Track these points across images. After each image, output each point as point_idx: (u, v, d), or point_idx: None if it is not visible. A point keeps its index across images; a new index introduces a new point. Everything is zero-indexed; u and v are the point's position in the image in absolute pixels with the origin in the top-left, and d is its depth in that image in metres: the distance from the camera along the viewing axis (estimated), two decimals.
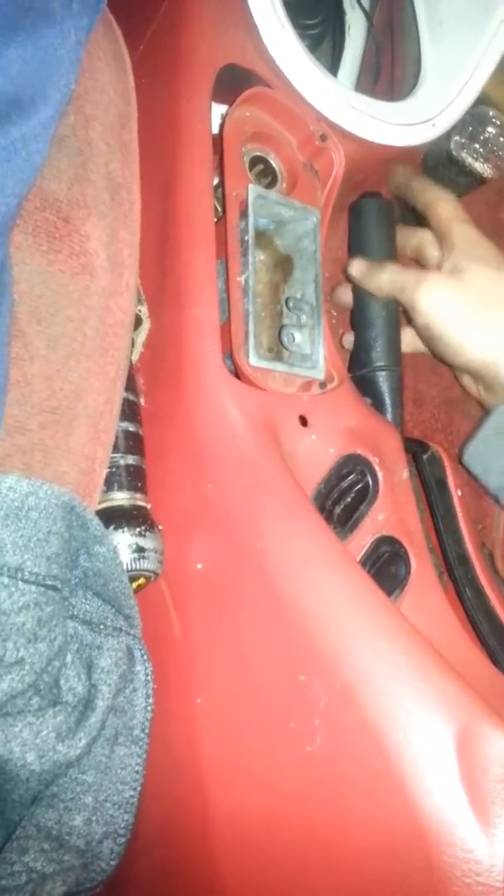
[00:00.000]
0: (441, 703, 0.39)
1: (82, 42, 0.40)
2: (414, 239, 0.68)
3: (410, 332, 0.67)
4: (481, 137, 1.02)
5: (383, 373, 0.64)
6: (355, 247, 0.68)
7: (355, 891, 0.40)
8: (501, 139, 1.01)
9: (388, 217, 0.69)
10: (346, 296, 0.69)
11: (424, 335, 0.62)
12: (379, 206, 0.68)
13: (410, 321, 0.64)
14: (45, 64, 0.36)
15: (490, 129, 1.01)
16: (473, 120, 1.00)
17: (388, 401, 0.63)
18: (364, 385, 0.63)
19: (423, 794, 0.37)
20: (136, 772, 0.43)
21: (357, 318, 0.66)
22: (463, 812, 0.36)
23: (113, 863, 0.41)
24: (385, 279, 0.63)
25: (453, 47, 0.70)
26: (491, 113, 1.02)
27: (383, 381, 0.63)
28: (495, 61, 0.69)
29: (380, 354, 0.64)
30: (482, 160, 1.01)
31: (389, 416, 0.63)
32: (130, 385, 0.54)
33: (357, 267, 0.66)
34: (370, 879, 0.39)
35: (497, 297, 0.60)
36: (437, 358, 0.64)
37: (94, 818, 0.42)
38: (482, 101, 0.89)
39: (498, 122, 1.01)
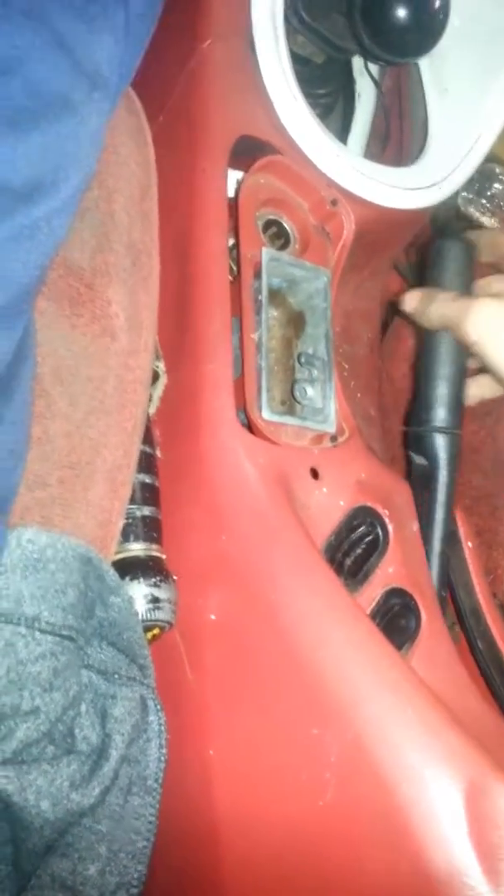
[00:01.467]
0: (449, 758, 0.39)
1: (103, 124, 0.43)
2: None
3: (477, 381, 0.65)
4: (488, 193, 1.06)
5: (442, 436, 0.61)
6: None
7: None
8: None
9: (467, 259, 0.66)
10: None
11: (486, 367, 0.59)
12: (460, 249, 0.65)
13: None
14: (67, 149, 0.39)
15: (497, 184, 1.04)
16: (480, 176, 1.04)
17: (442, 465, 0.61)
18: (419, 443, 0.62)
19: (432, 849, 0.38)
20: (150, 822, 0.43)
21: (420, 369, 0.63)
22: (472, 869, 0.37)
23: None
24: (434, 310, 0.60)
25: (459, 112, 0.73)
26: (497, 170, 1.05)
27: (441, 445, 0.61)
28: (500, 125, 0.71)
29: (440, 415, 0.61)
30: (489, 214, 1.04)
31: (443, 479, 0.60)
32: (147, 438, 0.55)
33: (410, 301, 0.63)
34: None
35: None
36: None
37: (107, 868, 0.42)
38: (488, 158, 0.92)
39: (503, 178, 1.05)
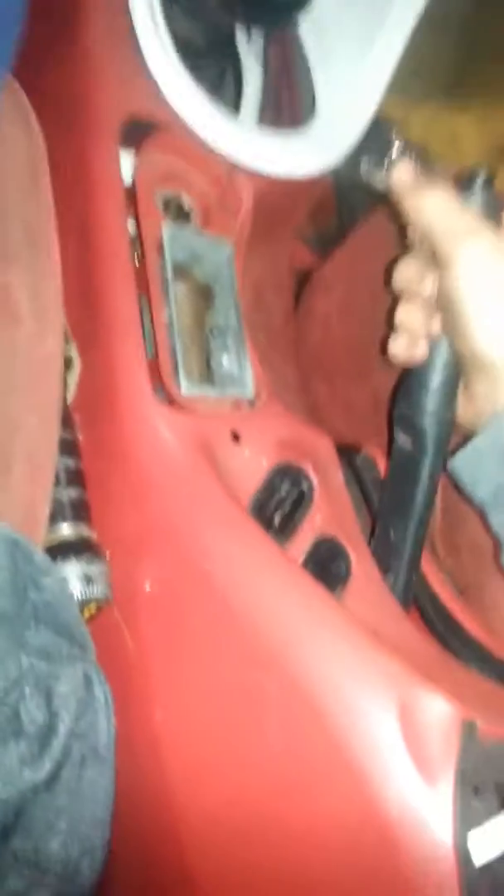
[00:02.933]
0: (379, 679, 0.41)
1: None
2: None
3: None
4: (388, 158, 1.08)
5: (436, 424, 0.57)
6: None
7: (324, 871, 0.41)
8: (407, 157, 1.07)
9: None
10: None
11: (443, 300, 0.53)
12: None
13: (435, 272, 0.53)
14: None
15: (394, 150, 1.07)
16: (378, 143, 1.06)
17: (430, 453, 0.57)
18: (408, 426, 0.58)
19: (373, 767, 0.40)
20: (106, 790, 0.44)
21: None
22: (411, 778, 0.39)
23: (93, 876, 0.43)
24: (432, 207, 0.52)
25: (343, 76, 0.75)
26: (393, 134, 1.08)
27: (433, 433, 0.57)
28: (383, 85, 0.73)
29: (437, 403, 0.56)
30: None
31: (427, 471, 0.57)
32: (67, 423, 0.56)
33: (405, 171, 0.55)
34: (338, 857, 0.41)
35: None
36: (445, 331, 0.55)
37: (69, 841, 0.43)
38: (384, 124, 0.95)
39: (401, 143, 1.07)
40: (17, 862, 0.41)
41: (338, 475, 0.60)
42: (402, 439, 0.60)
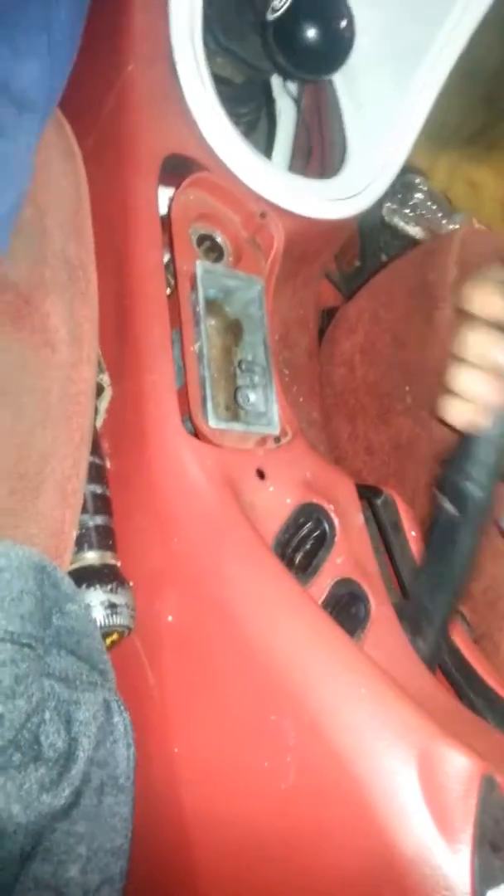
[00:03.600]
0: (400, 730, 0.41)
1: (32, 146, 0.44)
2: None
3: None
4: (410, 203, 1.11)
5: (486, 497, 0.56)
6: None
7: None
8: (428, 203, 1.10)
9: None
10: None
11: None
12: None
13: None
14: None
15: (417, 194, 1.10)
16: (402, 187, 1.09)
17: (474, 523, 0.56)
18: (457, 493, 0.57)
19: (390, 818, 0.40)
20: (125, 819, 0.44)
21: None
22: (429, 831, 0.39)
23: None
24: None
25: (374, 125, 0.77)
26: (417, 180, 1.11)
27: (481, 505, 0.56)
28: (414, 135, 0.75)
29: (488, 477, 0.56)
30: (413, 223, 1.09)
31: (470, 540, 0.57)
32: (96, 449, 0.56)
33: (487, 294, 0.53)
34: None
35: None
36: None
37: (88, 868, 0.42)
38: (409, 169, 0.97)
39: (424, 188, 1.10)
40: (36, 887, 0.40)
41: (359, 517, 0.61)
42: (448, 505, 0.58)
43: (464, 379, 0.54)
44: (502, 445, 0.55)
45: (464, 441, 0.57)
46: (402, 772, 0.40)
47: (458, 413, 0.55)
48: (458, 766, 0.39)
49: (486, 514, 0.57)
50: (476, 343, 0.54)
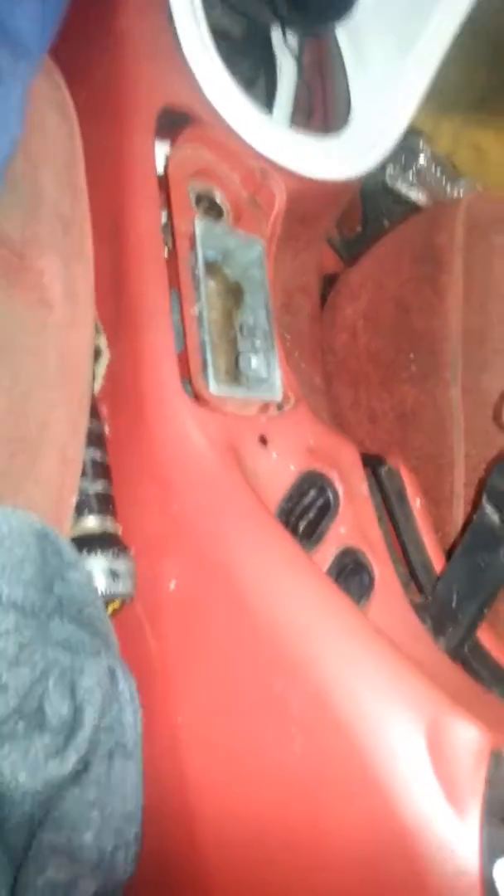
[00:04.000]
0: (409, 700, 0.40)
1: (25, 91, 0.42)
2: None
3: None
4: (414, 167, 1.08)
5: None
6: None
7: (343, 887, 0.40)
8: (432, 168, 1.07)
9: None
10: None
11: None
12: None
13: None
14: None
15: (421, 159, 1.07)
16: (405, 151, 1.06)
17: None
18: (499, 498, 0.56)
19: (399, 788, 0.39)
20: (136, 785, 0.44)
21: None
22: (438, 803, 0.38)
23: (129, 871, 0.42)
24: None
25: (379, 84, 0.74)
26: (421, 144, 1.08)
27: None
28: (420, 95, 0.73)
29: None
30: (416, 188, 1.06)
31: None
32: (94, 414, 0.55)
33: None
34: (357, 875, 0.40)
35: None
36: None
37: (102, 833, 0.42)
38: (412, 133, 0.94)
39: (427, 153, 1.07)
40: (54, 854, 0.40)
41: (363, 486, 0.59)
42: (491, 511, 0.57)
43: None
44: None
45: None
46: (410, 742, 0.39)
47: None
48: (468, 738, 0.39)
49: None
50: None
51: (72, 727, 0.41)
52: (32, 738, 0.39)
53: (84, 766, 0.41)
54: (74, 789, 0.40)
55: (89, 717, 0.41)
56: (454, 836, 0.38)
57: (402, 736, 0.40)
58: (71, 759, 0.40)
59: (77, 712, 0.41)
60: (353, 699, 0.42)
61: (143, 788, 0.44)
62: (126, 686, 0.45)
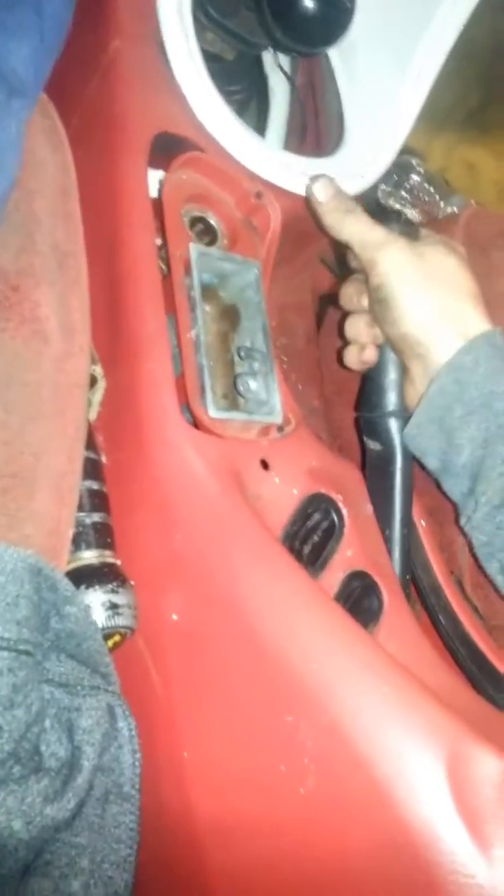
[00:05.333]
0: (427, 729, 0.39)
1: (21, 131, 0.42)
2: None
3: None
4: (407, 185, 1.08)
5: (396, 420, 0.62)
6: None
7: None
8: (425, 185, 1.07)
9: None
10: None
11: (374, 297, 0.60)
12: None
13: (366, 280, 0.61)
14: None
15: (414, 176, 1.07)
16: (398, 169, 1.06)
17: (398, 449, 0.61)
18: (373, 428, 0.62)
19: (419, 822, 0.37)
20: (131, 829, 0.42)
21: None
22: (460, 837, 0.36)
23: None
24: (352, 225, 0.62)
25: (373, 103, 0.74)
26: (414, 161, 1.08)
27: (395, 429, 0.62)
28: (415, 114, 0.73)
29: (393, 400, 0.62)
30: (409, 206, 1.06)
31: (399, 464, 0.61)
32: (90, 444, 0.54)
33: (324, 191, 0.63)
34: None
35: (446, 276, 0.60)
36: (379, 325, 0.62)
37: (91, 881, 0.40)
38: (404, 150, 0.94)
39: (421, 170, 1.07)
40: None
41: (367, 507, 0.58)
42: (371, 443, 0.63)
43: (347, 326, 0.65)
44: (397, 372, 0.62)
45: (365, 381, 0.65)
46: (430, 775, 0.38)
47: (349, 356, 0.65)
48: (490, 768, 0.37)
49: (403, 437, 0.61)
50: (347, 295, 0.66)
51: (70, 769, 0.40)
52: (29, 782, 0.37)
53: (77, 810, 0.39)
54: (66, 834, 0.39)
55: (88, 759, 0.40)
56: (480, 874, 0.36)
57: (421, 768, 0.39)
58: (69, 804, 0.38)
59: (75, 753, 0.40)
60: (369, 730, 0.41)
61: (139, 832, 0.42)
62: (125, 724, 0.43)
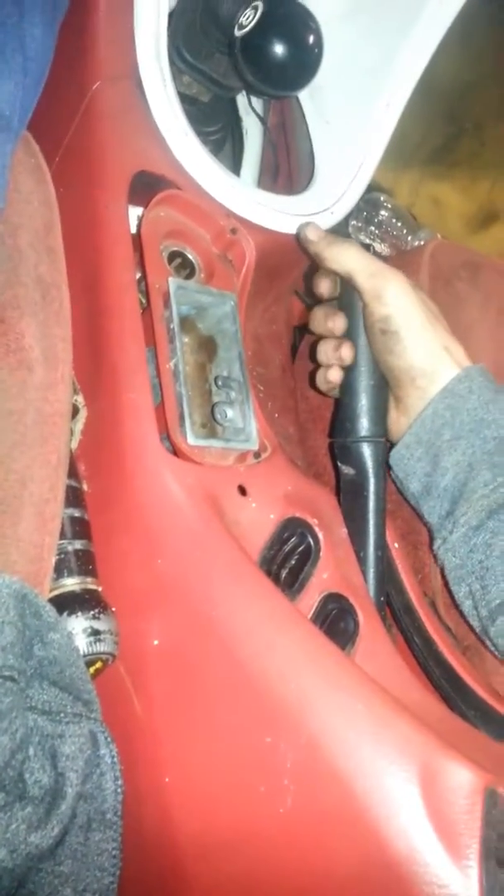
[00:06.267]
0: (400, 745, 0.40)
1: (6, 166, 0.43)
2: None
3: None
4: (376, 220, 1.12)
5: (369, 445, 0.63)
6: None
7: None
8: (394, 220, 1.11)
9: None
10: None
11: (380, 327, 0.61)
12: None
13: (364, 308, 0.62)
14: None
15: (383, 212, 1.11)
16: (367, 205, 1.10)
17: (371, 474, 0.62)
18: (346, 454, 0.64)
19: (395, 836, 0.38)
20: (114, 857, 0.42)
21: (345, 384, 0.65)
22: (434, 848, 0.38)
23: None
24: (352, 256, 0.62)
25: (341, 142, 0.77)
26: (382, 198, 1.12)
27: (368, 454, 0.63)
28: (380, 152, 0.76)
29: (365, 425, 0.63)
30: (378, 240, 1.10)
31: (372, 488, 0.62)
32: (72, 472, 0.55)
33: (315, 232, 0.65)
34: None
35: (436, 311, 0.63)
36: (377, 353, 0.62)
37: None
38: (374, 187, 0.98)
39: (389, 206, 1.11)
40: None
41: (342, 531, 0.60)
42: (345, 468, 0.64)
43: (318, 350, 0.66)
44: (370, 396, 0.63)
45: (338, 406, 0.66)
46: (404, 789, 0.39)
47: (319, 378, 0.67)
48: (461, 779, 0.39)
49: (380, 461, 0.63)
50: (318, 320, 0.67)
51: (53, 796, 0.40)
52: (13, 810, 0.38)
53: (60, 838, 0.40)
54: (49, 862, 0.39)
55: (71, 786, 0.40)
56: (455, 884, 0.37)
57: (395, 783, 0.40)
58: (53, 832, 0.39)
59: (59, 781, 0.41)
60: (345, 748, 0.42)
61: (122, 859, 0.43)
62: (107, 751, 0.44)
